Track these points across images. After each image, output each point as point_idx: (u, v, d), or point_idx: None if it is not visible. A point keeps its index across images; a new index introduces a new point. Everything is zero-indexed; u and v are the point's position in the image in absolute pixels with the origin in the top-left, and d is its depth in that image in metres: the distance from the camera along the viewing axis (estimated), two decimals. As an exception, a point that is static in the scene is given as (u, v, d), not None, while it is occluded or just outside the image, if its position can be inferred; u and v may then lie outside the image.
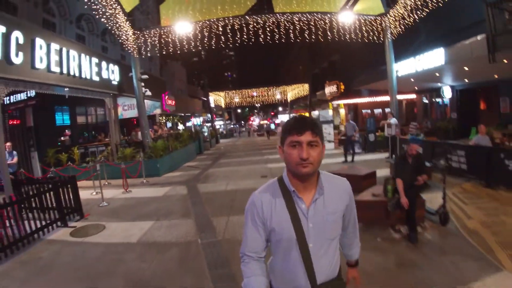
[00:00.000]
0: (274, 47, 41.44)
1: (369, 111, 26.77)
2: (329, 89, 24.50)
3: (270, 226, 1.49)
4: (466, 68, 11.95)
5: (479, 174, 7.27)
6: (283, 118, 46.13)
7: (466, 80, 15.12)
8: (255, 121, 66.29)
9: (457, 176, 7.85)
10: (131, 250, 4.90)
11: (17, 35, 7.65)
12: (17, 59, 7.64)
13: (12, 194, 5.95)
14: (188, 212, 6.75)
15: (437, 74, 13.69)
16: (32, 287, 3.96)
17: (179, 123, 28.46)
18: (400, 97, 22.11)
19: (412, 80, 15.46)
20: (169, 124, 25.80)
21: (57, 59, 9.04)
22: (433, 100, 19.29)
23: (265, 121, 58.65)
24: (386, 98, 20.93)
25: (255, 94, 39.29)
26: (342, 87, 23.27)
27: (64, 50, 9.35)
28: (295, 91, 37.57)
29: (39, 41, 8.41)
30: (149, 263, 4.38)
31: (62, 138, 15.12)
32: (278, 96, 40.08)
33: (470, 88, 16.01)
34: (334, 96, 23.84)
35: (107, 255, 4.77)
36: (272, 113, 68.82)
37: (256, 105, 51.03)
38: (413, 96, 20.99)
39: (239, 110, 77.69)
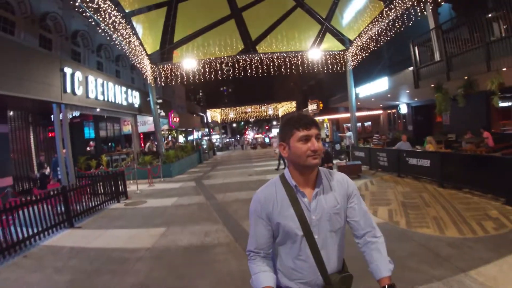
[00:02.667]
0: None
1: (349, 125, 30.55)
2: (311, 107, 28.27)
3: (275, 221, 1.53)
4: (407, 91, 15.62)
5: (394, 168, 10.79)
6: (276, 132, 49.66)
7: (416, 99, 18.80)
8: (250, 135, 69.58)
9: (383, 171, 11.42)
10: (168, 208, 8.37)
11: (78, 75, 11.23)
12: (78, 91, 11.21)
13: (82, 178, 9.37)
14: (198, 192, 10.26)
15: (389, 96, 17.39)
16: (113, 224, 7.31)
17: (180, 137, 31.93)
18: (374, 112, 26.12)
19: (373, 100, 19.22)
20: (170, 137, 29.31)
21: (101, 90, 12.63)
22: (395, 115, 23.06)
23: (260, 135, 61.98)
24: (363, 113, 24.96)
25: (249, 110, 42.99)
26: (321, 105, 27.04)
27: (105, 83, 12.96)
28: (285, 107, 41.32)
29: (90, 78, 12.01)
30: (180, 211, 7.85)
31: (88, 148, 18.48)
32: (270, 112, 43.80)
33: (424, 105, 19.65)
34: (315, 113, 27.48)
35: (154, 210, 8.24)
36: (267, 127, 72.20)
37: (250, 120, 54.71)
38: (380, 111, 24.75)
39: (234, 125, 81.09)
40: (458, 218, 5.56)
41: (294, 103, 38.85)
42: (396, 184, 9.29)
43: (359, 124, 30.29)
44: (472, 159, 7.69)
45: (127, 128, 22.39)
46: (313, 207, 1.52)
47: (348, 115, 27.68)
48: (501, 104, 11.77)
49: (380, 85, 15.95)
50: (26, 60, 9.23)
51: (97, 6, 9.56)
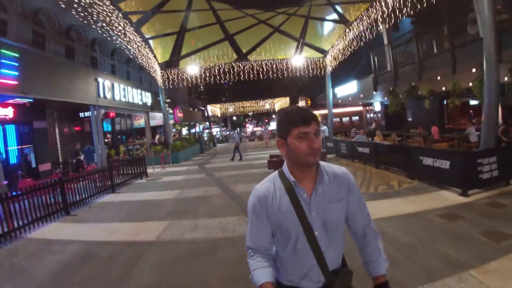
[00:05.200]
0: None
1: (338, 119, 33.88)
2: (301, 103, 31.58)
3: (274, 218, 1.52)
4: (374, 92, 18.78)
5: (350, 155, 13.98)
6: (273, 125, 52.83)
7: (385, 98, 21.95)
8: (249, 128, 72.48)
9: (344, 158, 14.63)
10: (180, 181, 11.69)
11: (107, 83, 14.46)
12: (107, 95, 14.43)
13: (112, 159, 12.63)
14: (201, 172, 13.62)
15: (361, 96, 20.56)
16: (142, 190, 10.57)
17: (183, 130, 35.24)
18: (356, 109, 29.37)
19: (350, 99, 22.39)
20: (174, 130, 32.63)
21: (123, 93, 15.88)
22: (372, 112, 26.30)
23: (259, 128, 64.96)
24: (346, 109, 28.20)
25: (247, 104, 46.13)
26: (309, 102, 30.35)
27: (126, 87, 16.20)
28: (280, 102, 44.50)
29: (115, 85, 15.25)
30: (189, 183, 11.16)
31: (105, 140, 21.79)
32: (267, 106, 46.97)
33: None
34: (305, 109, 30.76)
35: (169, 183, 11.57)
36: (266, 120, 74.96)
37: (249, 113, 57.95)
38: (361, 108, 27.97)
39: (234, 118, 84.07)
40: (369, 184, 8.80)
41: (288, 99, 42.00)
42: (347, 166, 12.49)
43: (346, 119, 33.66)
44: (392, 148, 10.91)
45: (137, 123, 25.75)
46: (313, 203, 1.50)
47: (333, 110, 31.23)
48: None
49: (351, 87, 19.17)
50: (72, 73, 12.46)
51: (123, 31, 12.72)
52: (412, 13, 10.43)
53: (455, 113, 17.44)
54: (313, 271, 1.51)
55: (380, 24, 12.05)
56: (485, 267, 3.65)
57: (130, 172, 12.78)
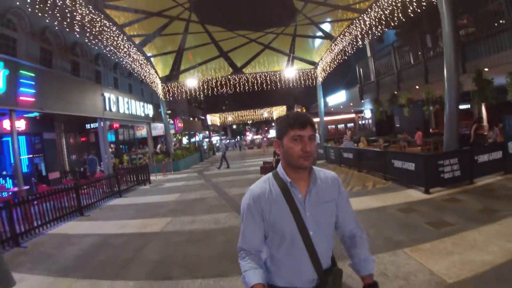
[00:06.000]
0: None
1: (333, 126, 35.12)
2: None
3: (269, 218, 1.55)
4: (362, 101, 19.94)
5: (337, 160, 15.03)
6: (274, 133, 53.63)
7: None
8: (248, 136, 73.59)
9: (332, 163, 15.67)
10: (180, 186, 12.76)
11: (112, 97, 15.64)
12: (112, 108, 15.59)
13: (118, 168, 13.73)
14: (200, 178, 14.71)
15: (351, 104, 21.73)
16: (146, 195, 11.65)
17: (183, 139, 36.41)
18: (348, 116, 30.54)
19: (341, 107, 23.57)
20: (174, 139, 33.79)
21: (127, 106, 17.04)
22: (363, 119, 27.49)
23: (258, 136, 66.05)
24: (342, 116, 29.35)
25: (246, 113, 47.28)
26: (304, 110, 31.52)
27: (130, 100, 17.37)
28: (278, 110, 45.66)
29: (120, 98, 16.43)
30: (189, 187, 12.22)
31: (109, 149, 22.92)
32: (265, 115, 48.10)
33: (384, 110, 23.95)
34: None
35: (171, 187, 12.65)
36: (266, 128, 75.87)
37: (248, 122, 59.11)
38: (353, 115, 29.16)
39: (234, 126, 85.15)
40: (347, 185, 9.86)
41: (285, 108, 43.18)
42: (334, 170, 13.47)
43: (341, 126, 34.90)
44: (370, 153, 11.96)
45: (140, 133, 26.93)
46: (308, 203, 1.55)
47: (328, 118, 32.46)
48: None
49: (341, 96, 20.35)
50: (80, 89, 13.65)
51: (128, 52, 13.92)
52: (385, 29, 11.59)
53: (442, 119, 18.50)
54: (308, 270, 1.55)
55: (359, 39, 13.20)
56: (419, 246, 4.54)
57: (135, 179, 13.85)
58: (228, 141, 53.70)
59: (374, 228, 5.54)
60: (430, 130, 19.08)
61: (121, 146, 25.95)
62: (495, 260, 3.86)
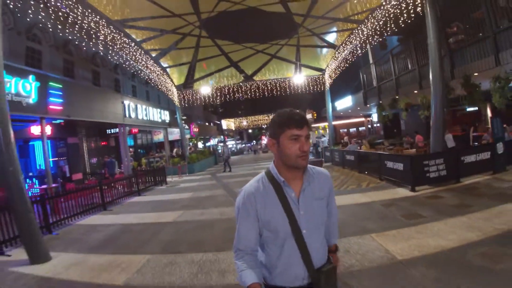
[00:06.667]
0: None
1: (345, 130, 35.80)
2: (308, 116, 33.65)
3: (263, 217, 1.57)
4: (367, 105, 20.66)
5: (341, 163, 15.84)
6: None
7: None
8: (264, 140, 74.46)
9: (337, 165, 16.49)
10: (194, 186, 13.89)
11: (131, 104, 16.97)
12: (132, 115, 16.91)
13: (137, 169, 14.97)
14: (212, 179, 15.85)
15: (358, 108, 22.44)
16: (163, 194, 12.78)
17: (199, 143, 37.80)
18: (358, 119, 31.17)
19: (349, 111, 24.31)
20: (190, 144, 35.19)
21: (145, 112, 18.37)
22: (371, 122, 28.12)
23: (275, 140, 66.36)
24: (353, 120, 30.04)
25: (260, 118, 48.49)
26: (315, 115, 32.43)
27: (147, 107, 18.70)
28: (290, 115, 46.52)
29: (139, 106, 17.76)
30: (201, 187, 13.34)
31: (129, 153, 24.36)
32: (277, 117, 48.87)
33: (394, 113, 24.53)
34: (311, 121, 32.82)
35: (185, 187, 13.81)
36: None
37: (263, 126, 60.20)
38: (363, 119, 29.80)
39: (250, 131, 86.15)
40: (343, 185, 10.73)
41: (296, 112, 44.02)
42: (337, 172, 14.41)
43: (353, 129, 35.53)
44: (367, 155, 12.75)
45: (157, 137, 28.38)
46: (301, 202, 1.57)
47: (340, 122, 33.20)
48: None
49: (348, 101, 21.15)
50: (102, 98, 15.03)
51: (146, 64, 15.17)
52: (380, 39, 12.43)
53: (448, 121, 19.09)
54: (299, 269, 1.56)
55: (358, 48, 14.06)
56: (385, 233, 5.28)
57: (152, 180, 15.07)
58: (231, 146, 54.70)
59: (354, 217, 6.44)
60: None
61: (139, 150, 27.45)
62: (448, 245, 4.46)
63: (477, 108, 17.91)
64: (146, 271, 4.69)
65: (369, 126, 28.75)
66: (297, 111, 1.55)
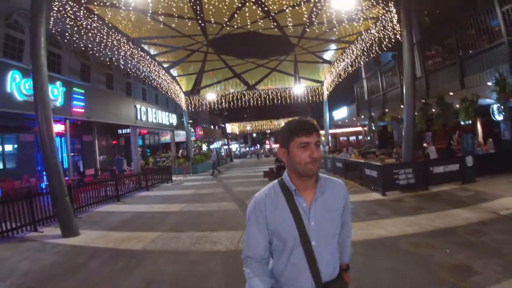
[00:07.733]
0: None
1: (345, 138, 37.13)
2: (310, 124, 35.09)
3: (273, 226, 1.55)
4: (362, 116, 22.08)
5: (332, 169, 17.20)
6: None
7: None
8: (267, 145, 75.63)
9: (329, 171, 17.86)
10: (197, 185, 15.39)
11: (143, 108, 18.59)
12: (143, 117, 18.53)
13: (146, 167, 16.52)
14: (213, 179, 17.37)
15: (354, 119, 23.86)
16: (168, 190, 14.32)
17: (203, 146, 39.40)
18: (357, 129, 32.57)
19: (346, 121, 25.73)
20: (195, 145, 36.77)
21: (154, 116, 20.00)
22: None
23: (277, 145, 67.51)
24: (351, 129, 31.42)
25: (263, 123, 49.84)
26: (315, 122, 33.74)
27: (156, 111, 20.33)
28: (294, 121, 47.80)
29: (150, 110, 19.40)
30: (203, 186, 14.85)
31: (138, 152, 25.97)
32: (282, 124, 50.15)
33: (386, 125, 25.87)
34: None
35: (189, 186, 15.34)
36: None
37: (266, 131, 61.58)
38: (360, 128, 31.19)
39: (254, 135, 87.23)
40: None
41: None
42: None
43: (353, 138, 36.86)
44: (352, 163, 14.14)
45: (164, 138, 30.03)
46: (312, 212, 1.53)
47: (339, 130, 34.64)
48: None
49: (343, 112, 22.61)
50: (117, 102, 16.68)
51: (158, 74, 16.79)
52: (367, 60, 13.92)
53: (437, 134, 20.46)
54: (306, 280, 1.52)
55: (349, 66, 15.57)
56: None
57: (159, 177, 16.62)
58: (235, 149, 55.85)
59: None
60: (425, 144, 20.95)
61: (146, 150, 29.11)
62: (386, 234, 5.51)
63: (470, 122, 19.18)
64: (157, 241, 6.23)
65: (366, 135, 30.11)
66: (306, 119, 1.57)
